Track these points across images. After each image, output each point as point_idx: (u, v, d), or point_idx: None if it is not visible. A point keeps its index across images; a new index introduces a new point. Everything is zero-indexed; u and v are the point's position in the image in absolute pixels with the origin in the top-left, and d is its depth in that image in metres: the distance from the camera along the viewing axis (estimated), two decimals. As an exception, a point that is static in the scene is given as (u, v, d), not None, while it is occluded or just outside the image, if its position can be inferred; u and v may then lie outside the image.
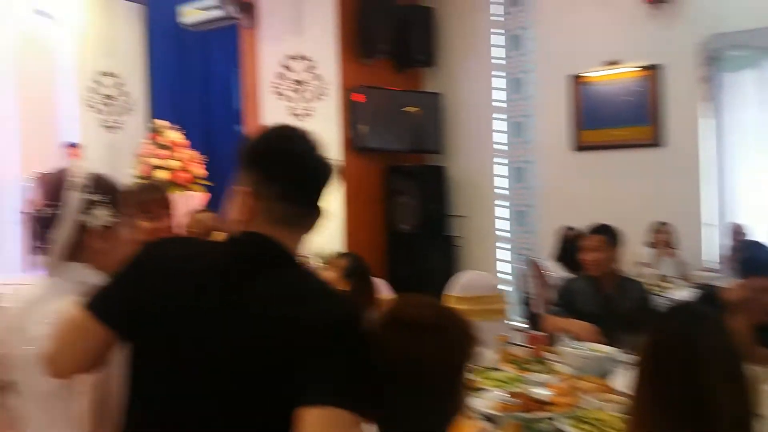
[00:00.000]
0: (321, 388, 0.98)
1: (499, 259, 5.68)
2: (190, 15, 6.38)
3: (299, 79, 5.41)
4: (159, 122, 4.82)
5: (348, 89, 5.43)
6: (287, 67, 5.42)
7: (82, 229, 1.39)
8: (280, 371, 1.00)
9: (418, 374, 1.11)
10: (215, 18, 5.86)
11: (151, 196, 2.30)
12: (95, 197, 1.40)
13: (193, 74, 6.67)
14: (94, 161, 6.14)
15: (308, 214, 1.16)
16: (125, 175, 6.70)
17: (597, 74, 5.16)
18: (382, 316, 1.18)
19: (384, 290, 3.02)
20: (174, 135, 4.79)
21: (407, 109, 5.76)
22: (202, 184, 4.86)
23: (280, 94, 5.41)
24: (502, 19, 5.56)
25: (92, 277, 1.36)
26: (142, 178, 4.60)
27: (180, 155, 4.77)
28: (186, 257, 1.17)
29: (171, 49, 6.81)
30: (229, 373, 1.03)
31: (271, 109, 5.43)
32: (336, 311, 1.07)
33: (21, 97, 6.16)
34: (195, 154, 4.92)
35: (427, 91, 6.04)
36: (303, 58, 5.41)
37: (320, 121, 5.30)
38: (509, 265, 5.65)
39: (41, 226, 1.40)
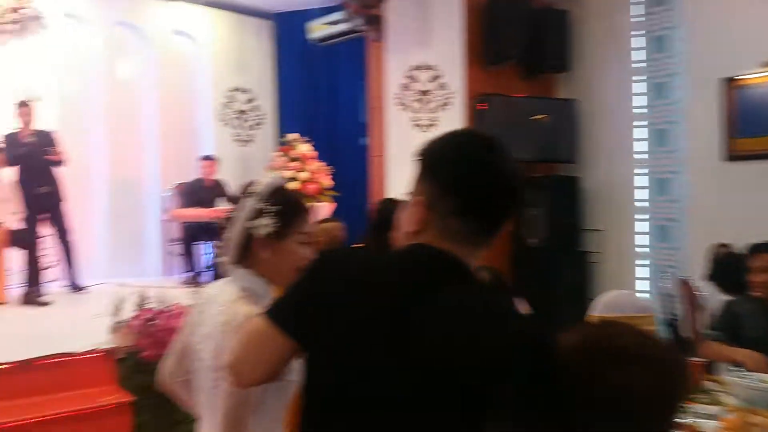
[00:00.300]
0: (511, 415, 0.91)
1: (638, 277, 5.25)
2: (318, 30, 6.52)
3: (424, 90, 5.34)
4: (291, 135, 4.92)
5: (474, 98, 5.28)
6: (412, 78, 5.36)
7: (250, 236, 1.41)
8: (463, 391, 0.93)
9: (626, 406, 0.97)
10: (342, 32, 5.95)
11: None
12: (264, 206, 1.41)
13: (320, 88, 6.84)
14: (227, 174, 6.45)
15: (488, 233, 1.05)
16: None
17: (754, 76, 4.65)
18: (573, 341, 1.03)
19: (523, 308, 2.84)
20: (304, 147, 4.87)
21: (537, 117, 5.50)
22: (329, 195, 4.90)
23: (404, 105, 5.36)
24: (644, 19, 5.17)
25: (257, 284, 1.42)
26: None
27: (309, 167, 4.83)
28: (363, 269, 1.10)
29: (299, 63, 7.01)
30: (407, 390, 0.96)
31: (395, 120, 5.40)
32: (530, 332, 0.97)
33: (162, 113, 6.60)
34: (323, 166, 4.98)
35: (559, 97, 5.75)
36: (428, 67, 5.33)
37: (445, 131, 5.17)
38: (649, 284, 5.21)
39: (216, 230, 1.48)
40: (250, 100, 7.16)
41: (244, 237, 1.41)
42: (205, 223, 5.90)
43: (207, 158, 6.21)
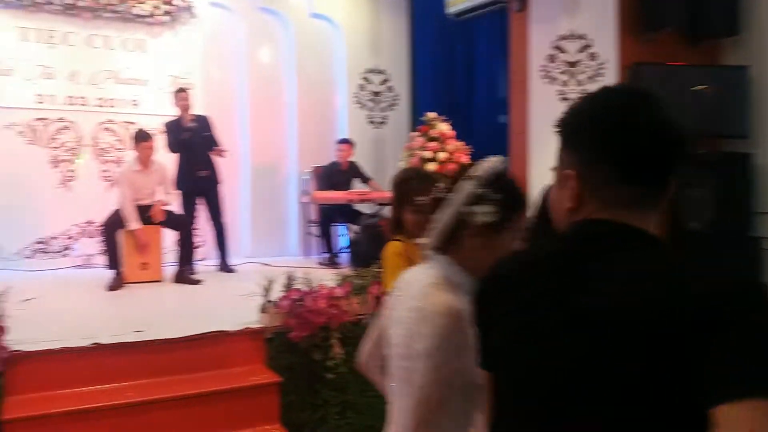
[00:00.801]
0: (732, 375, 0.75)
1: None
2: (456, 4, 6.27)
3: (572, 60, 4.94)
4: (429, 114, 4.76)
5: (628, 67, 4.79)
6: (559, 49, 4.98)
7: (462, 223, 1.30)
8: (666, 361, 0.79)
9: None
10: (482, 3, 5.66)
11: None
12: (485, 192, 1.27)
13: (456, 65, 6.60)
14: (361, 157, 6.45)
15: (654, 195, 0.93)
16: (391, 168, 7.03)
17: None
18: None
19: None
20: (443, 126, 4.69)
21: (699, 87, 4.90)
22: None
23: (550, 78, 5.00)
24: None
25: (456, 273, 1.30)
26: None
27: (448, 147, 4.65)
28: (528, 273, 0.98)
29: (435, 40, 6.81)
30: (604, 380, 0.84)
31: (540, 94, 5.06)
32: (734, 277, 0.83)
33: (300, 96, 6.70)
34: (461, 145, 4.77)
35: (727, 65, 5.08)
36: (577, 36, 4.92)
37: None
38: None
39: (430, 210, 1.36)
40: (384, 81, 7.10)
41: (456, 222, 1.29)
42: (341, 205, 5.94)
43: (343, 141, 6.23)
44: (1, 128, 5.64)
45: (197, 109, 5.56)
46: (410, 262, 2.10)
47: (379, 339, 1.49)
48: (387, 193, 6.07)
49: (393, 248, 2.24)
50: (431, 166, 4.52)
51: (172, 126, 5.33)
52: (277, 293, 3.35)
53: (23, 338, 2.84)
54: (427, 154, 4.56)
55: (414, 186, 2.19)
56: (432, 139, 4.65)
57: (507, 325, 0.96)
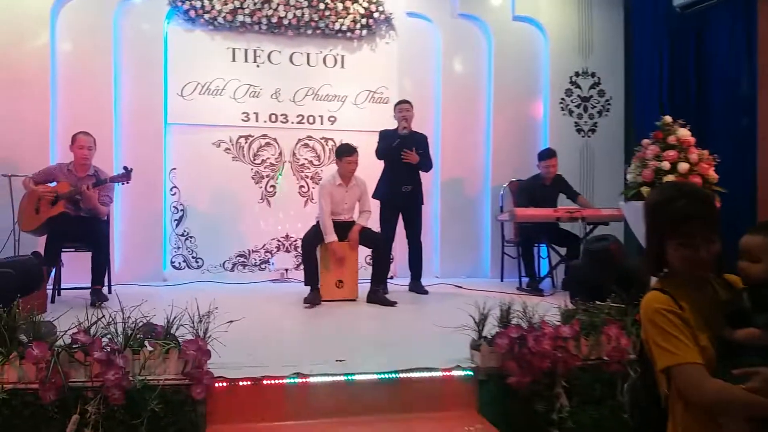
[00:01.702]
0: None
1: None
2: (681, -5, 5.40)
3: None
4: (666, 118, 3.99)
5: None
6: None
7: None
8: None
9: None
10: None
11: (692, 211, 1.56)
12: None
13: (684, 62, 5.67)
14: (565, 169, 5.77)
15: None
16: (601, 182, 6.28)
17: None
18: None
19: None
20: (683, 132, 3.89)
21: None
22: (716, 191, 3.82)
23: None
24: None
25: None
26: (646, 185, 3.84)
27: (691, 156, 3.83)
28: None
29: (656, 37, 5.93)
30: None
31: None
32: None
33: (496, 104, 6.20)
34: (705, 154, 3.92)
35: None
36: None
37: None
38: None
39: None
40: (594, 85, 6.35)
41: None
42: (544, 224, 5.31)
43: (549, 154, 5.56)
44: (210, 145, 5.90)
45: (391, 123, 5.32)
46: (683, 320, 1.50)
47: None
48: (602, 211, 5.38)
49: (656, 301, 1.59)
50: (669, 179, 3.74)
51: (386, 134, 5.18)
52: (490, 326, 2.86)
53: (226, 362, 2.67)
54: (665, 164, 3.78)
55: (680, 208, 1.57)
56: (668, 147, 3.87)
57: None
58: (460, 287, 5.49)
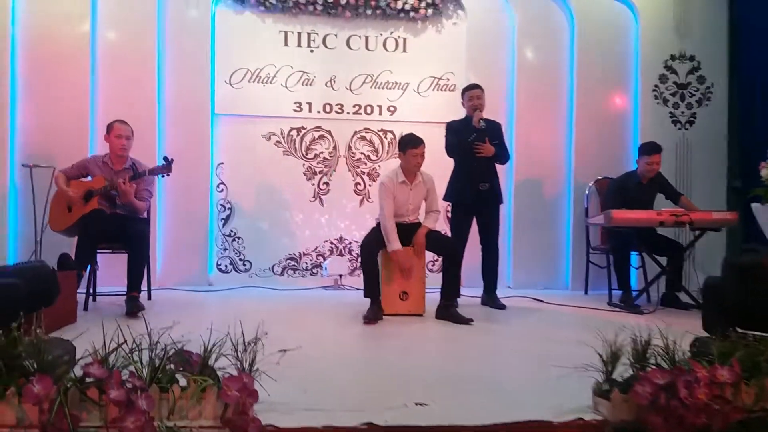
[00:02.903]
0: None
1: None
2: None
3: None
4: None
5: None
6: None
7: None
8: None
9: None
10: None
11: None
12: None
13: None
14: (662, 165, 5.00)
15: None
16: (702, 180, 5.50)
17: None
18: None
19: None
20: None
21: None
22: None
23: None
24: None
25: None
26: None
27: None
28: None
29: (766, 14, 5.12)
30: None
31: None
32: None
33: (579, 95, 5.49)
34: None
35: None
36: None
37: None
38: None
39: None
40: (693, 70, 5.55)
41: None
42: (642, 228, 4.56)
43: (653, 149, 4.76)
44: (260, 138, 5.38)
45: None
46: None
47: None
48: (713, 214, 4.61)
49: None
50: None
51: (456, 126, 4.52)
52: (620, 367, 2.18)
53: (275, 401, 2.08)
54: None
55: None
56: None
57: None
58: (540, 300, 4.80)
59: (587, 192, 5.39)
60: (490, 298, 4.57)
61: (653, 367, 2.09)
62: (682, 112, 5.53)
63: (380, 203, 4.14)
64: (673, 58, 5.53)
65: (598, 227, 5.04)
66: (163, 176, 4.20)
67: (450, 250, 4.14)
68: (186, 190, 5.16)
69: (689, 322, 3.84)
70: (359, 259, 4.45)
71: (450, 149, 4.48)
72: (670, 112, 5.53)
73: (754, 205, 3.53)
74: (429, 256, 4.53)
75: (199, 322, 2.28)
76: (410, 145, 4.09)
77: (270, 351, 2.07)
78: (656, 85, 5.51)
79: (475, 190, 4.42)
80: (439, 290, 4.10)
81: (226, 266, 5.37)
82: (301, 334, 3.43)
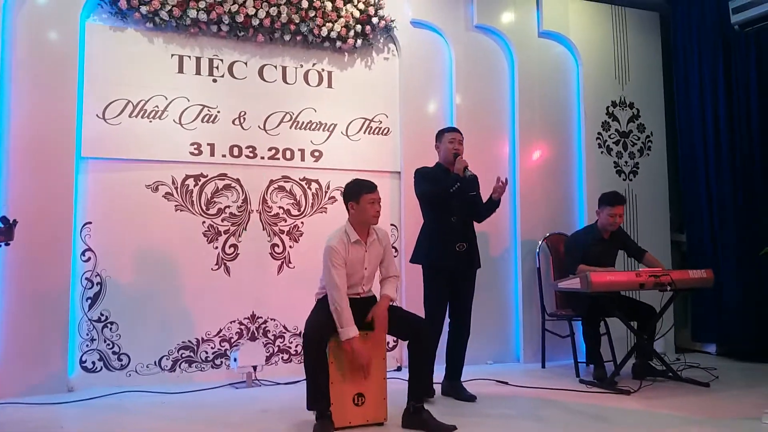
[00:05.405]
0: None
1: None
2: (743, 11, 4.50)
3: None
4: None
5: None
6: None
7: None
8: None
9: None
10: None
11: None
12: None
13: (743, 92, 4.82)
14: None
15: None
16: (653, 234, 5.14)
17: None
18: None
19: None
20: None
21: None
22: None
23: None
24: None
25: None
26: None
27: None
28: None
29: (708, 60, 5.03)
30: None
31: None
32: None
33: (523, 140, 4.95)
34: None
35: None
36: None
37: None
38: None
39: None
40: (633, 118, 5.27)
41: None
42: (615, 292, 3.99)
43: (616, 197, 4.24)
44: (144, 189, 4.13)
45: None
46: None
47: None
48: (690, 273, 4.15)
49: None
50: None
51: (432, 173, 3.69)
52: None
53: None
54: None
55: None
56: None
57: None
58: (505, 383, 4.01)
59: (537, 250, 4.78)
60: (455, 388, 3.67)
61: None
62: (626, 162, 5.20)
63: (329, 275, 3.08)
64: (614, 104, 5.22)
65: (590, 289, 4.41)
66: (0, 245, 2.87)
67: (421, 333, 3.18)
68: (36, 261, 3.74)
69: (691, 401, 3.43)
70: (301, 351, 3.34)
71: (427, 199, 3.63)
72: (615, 162, 5.17)
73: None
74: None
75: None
76: (365, 189, 3.14)
77: None
78: (599, 133, 5.14)
79: (453, 250, 3.59)
80: (406, 385, 3.13)
81: (93, 363, 3.95)
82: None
